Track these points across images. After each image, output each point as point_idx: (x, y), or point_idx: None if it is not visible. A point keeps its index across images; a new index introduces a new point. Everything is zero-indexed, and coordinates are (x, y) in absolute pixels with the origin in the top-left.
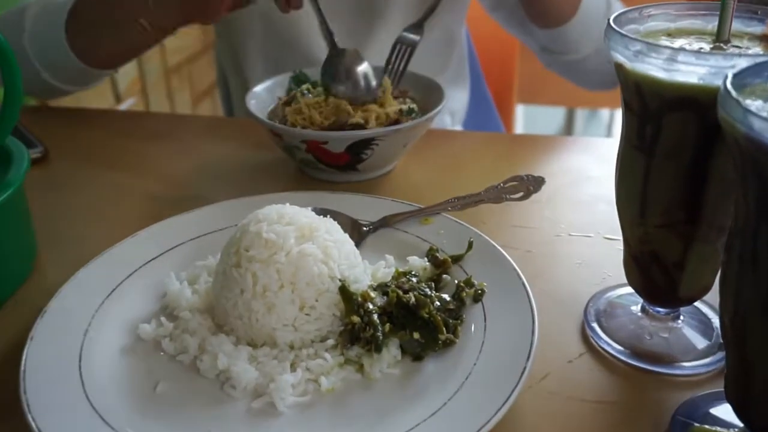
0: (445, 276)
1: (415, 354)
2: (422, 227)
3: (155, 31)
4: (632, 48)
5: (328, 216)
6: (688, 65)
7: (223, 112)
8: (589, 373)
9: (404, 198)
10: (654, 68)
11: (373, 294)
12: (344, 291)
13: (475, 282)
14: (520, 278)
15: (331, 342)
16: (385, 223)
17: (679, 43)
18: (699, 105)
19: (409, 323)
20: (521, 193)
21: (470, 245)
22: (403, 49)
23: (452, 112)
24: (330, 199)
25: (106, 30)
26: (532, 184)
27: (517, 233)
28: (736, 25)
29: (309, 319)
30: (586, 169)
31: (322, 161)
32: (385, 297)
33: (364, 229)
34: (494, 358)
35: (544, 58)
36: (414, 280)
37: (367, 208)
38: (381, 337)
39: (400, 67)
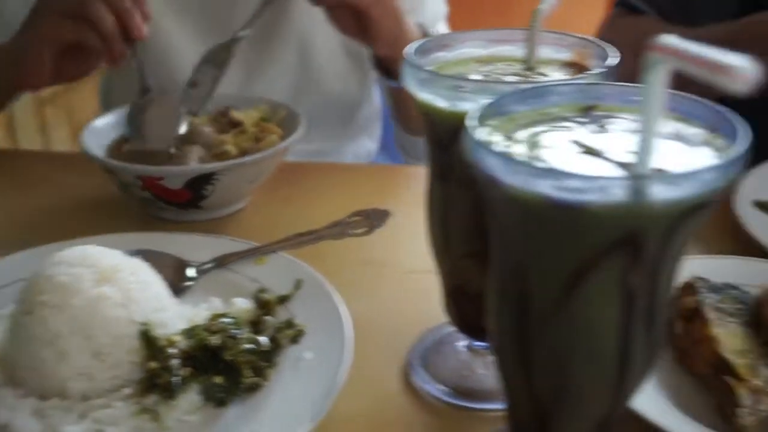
0: (268, 318)
1: (218, 399)
2: (256, 267)
3: None
4: (418, 76)
5: (140, 257)
6: (461, 93)
7: None
8: (408, 414)
9: (256, 237)
10: (437, 97)
11: (178, 338)
12: (144, 336)
13: (297, 323)
14: (341, 317)
15: (127, 391)
16: (220, 263)
17: (488, 69)
18: None
19: (212, 367)
20: (364, 228)
21: (298, 284)
22: (210, 72)
23: (356, 155)
24: (158, 239)
25: None
26: (375, 219)
27: (360, 271)
28: (547, 52)
29: (103, 367)
30: None
31: (162, 199)
32: (192, 341)
33: (191, 270)
34: (298, 399)
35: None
36: (228, 321)
37: (201, 248)
38: (177, 383)
39: (204, 94)
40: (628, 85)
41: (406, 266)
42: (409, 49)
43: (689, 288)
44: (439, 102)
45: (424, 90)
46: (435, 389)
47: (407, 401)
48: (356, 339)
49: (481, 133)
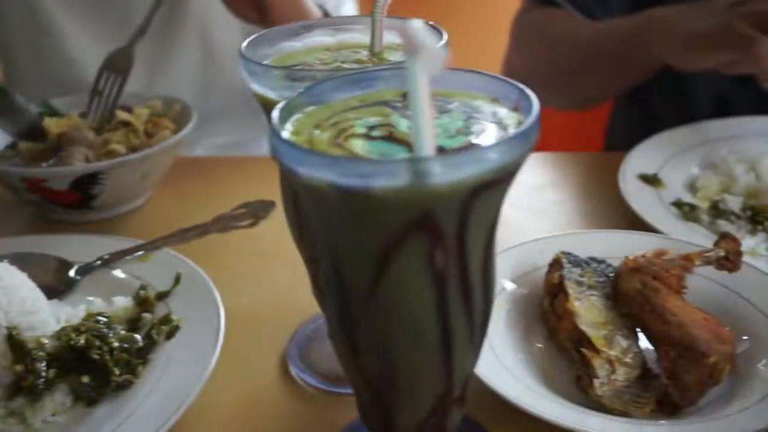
0: (146, 315)
1: (87, 399)
2: (140, 265)
3: None
4: (248, 69)
5: (7, 260)
6: (289, 84)
7: None
8: (282, 403)
9: (154, 234)
10: (267, 89)
11: (47, 340)
12: (9, 339)
13: (174, 318)
14: (218, 309)
15: None
16: (105, 263)
17: (333, 56)
18: None
19: (79, 367)
20: (250, 221)
21: (177, 280)
22: (113, 78)
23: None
24: (45, 241)
25: None
26: (260, 210)
27: (246, 263)
28: (392, 38)
29: None
30: None
31: (51, 201)
32: (59, 342)
33: (74, 270)
34: (167, 393)
35: None
36: (101, 320)
37: (88, 248)
38: (42, 385)
39: (110, 100)
40: (451, 69)
41: (290, 257)
42: (246, 41)
43: (556, 263)
44: (270, 93)
45: (255, 82)
46: (309, 377)
47: (284, 390)
48: (239, 331)
49: (289, 123)
